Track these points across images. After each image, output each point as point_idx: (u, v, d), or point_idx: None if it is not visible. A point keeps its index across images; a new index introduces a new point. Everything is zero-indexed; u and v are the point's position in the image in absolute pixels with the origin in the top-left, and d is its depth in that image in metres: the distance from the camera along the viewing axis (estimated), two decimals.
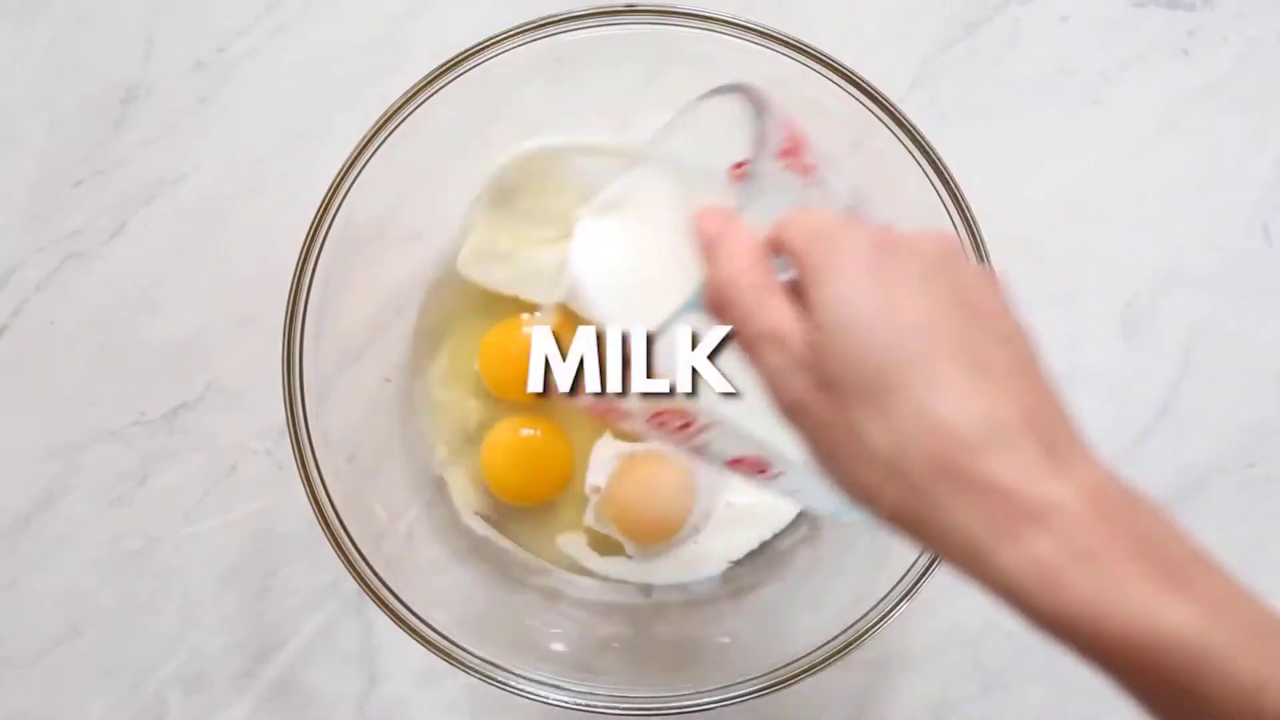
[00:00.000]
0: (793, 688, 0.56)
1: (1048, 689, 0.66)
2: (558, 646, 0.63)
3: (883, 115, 0.58)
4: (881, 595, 0.57)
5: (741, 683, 0.57)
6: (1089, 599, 0.33)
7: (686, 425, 0.43)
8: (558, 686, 0.58)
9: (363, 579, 0.57)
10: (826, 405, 0.37)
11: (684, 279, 0.41)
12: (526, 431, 0.65)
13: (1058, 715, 0.66)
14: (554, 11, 0.58)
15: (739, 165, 0.42)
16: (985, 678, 0.66)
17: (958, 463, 0.34)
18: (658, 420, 0.43)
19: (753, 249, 0.39)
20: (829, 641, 0.57)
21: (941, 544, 0.35)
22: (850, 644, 0.56)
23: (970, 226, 0.57)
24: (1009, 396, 0.35)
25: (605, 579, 0.65)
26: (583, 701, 0.58)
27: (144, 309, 0.68)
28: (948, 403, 0.35)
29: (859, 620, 0.57)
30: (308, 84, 0.69)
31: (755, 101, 0.42)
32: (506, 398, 0.65)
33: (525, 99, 0.63)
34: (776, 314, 0.38)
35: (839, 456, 0.37)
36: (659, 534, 0.64)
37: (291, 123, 0.69)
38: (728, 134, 0.44)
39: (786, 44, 0.58)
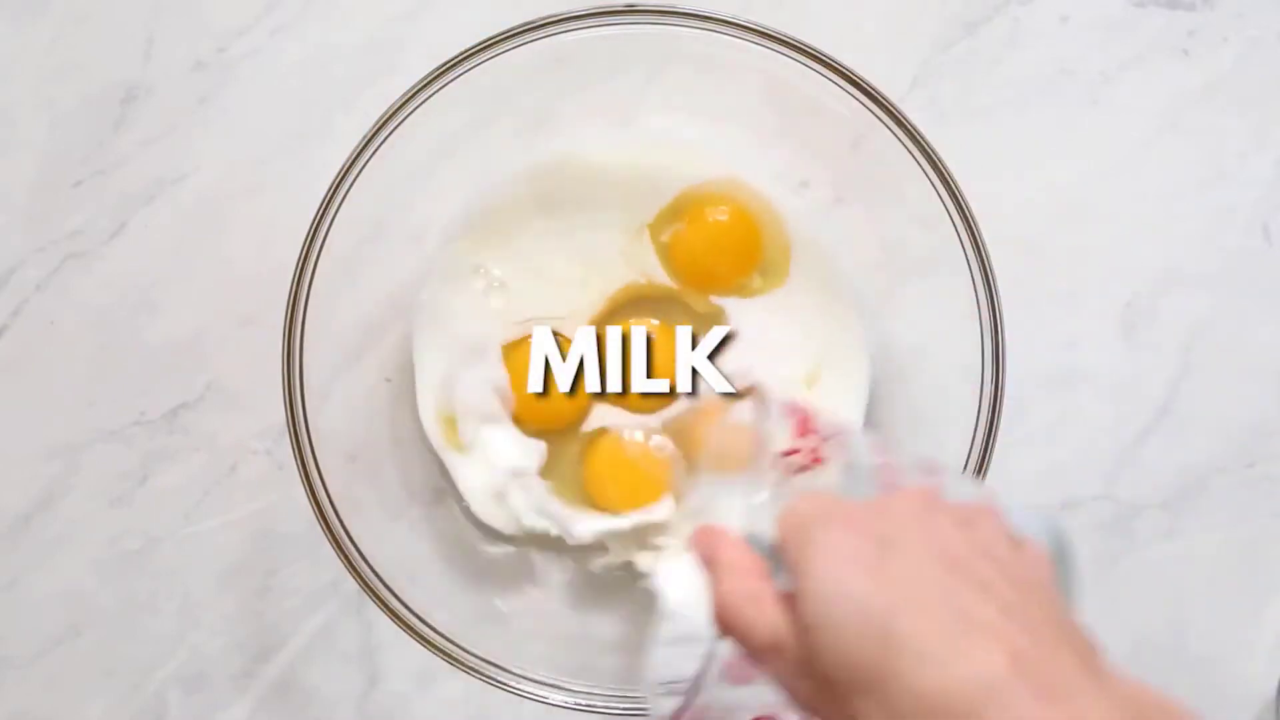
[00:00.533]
0: None
1: None
2: (557, 646, 0.63)
3: (883, 115, 0.58)
4: None
5: None
6: None
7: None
8: (558, 686, 0.58)
9: (363, 579, 0.57)
10: (831, 703, 0.37)
11: None
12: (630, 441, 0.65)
13: None
14: (554, 11, 0.58)
15: (787, 453, 0.45)
16: None
17: None
18: None
19: (745, 560, 0.40)
20: None
21: None
22: None
23: (970, 226, 0.57)
24: (996, 647, 0.35)
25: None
26: (583, 701, 0.58)
27: (144, 309, 0.68)
28: (934, 676, 0.34)
29: None
30: (308, 84, 0.69)
31: (758, 401, 0.45)
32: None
33: (525, 99, 0.63)
34: (772, 623, 0.38)
35: None
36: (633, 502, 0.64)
37: (291, 123, 0.69)
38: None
39: (786, 44, 0.58)
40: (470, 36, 0.58)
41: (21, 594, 0.67)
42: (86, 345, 0.68)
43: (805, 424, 0.45)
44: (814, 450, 0.45)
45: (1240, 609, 0.67)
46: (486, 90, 0.59)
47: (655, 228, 0.66)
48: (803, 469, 0.44)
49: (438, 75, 0.58)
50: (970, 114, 0.69)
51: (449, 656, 0.57)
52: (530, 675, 0.58)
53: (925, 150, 0.57)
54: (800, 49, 0.58)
